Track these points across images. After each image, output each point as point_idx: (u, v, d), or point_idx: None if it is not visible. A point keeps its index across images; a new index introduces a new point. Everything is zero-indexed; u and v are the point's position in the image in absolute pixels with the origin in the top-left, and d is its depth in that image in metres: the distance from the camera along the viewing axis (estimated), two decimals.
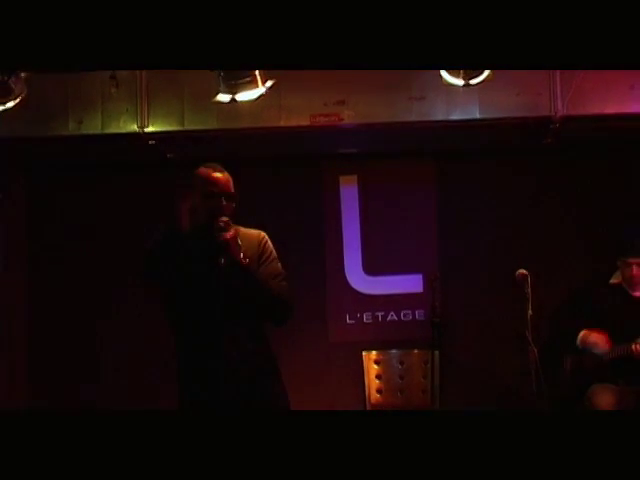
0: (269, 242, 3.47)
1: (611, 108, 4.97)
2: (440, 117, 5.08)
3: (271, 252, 3.45)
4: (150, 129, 5.13)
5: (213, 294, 3.31)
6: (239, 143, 5.44)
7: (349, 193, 6.03)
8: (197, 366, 3.36)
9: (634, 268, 4.87)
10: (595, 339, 4.84)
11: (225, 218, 3.27)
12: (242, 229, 3.41)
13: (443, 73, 4.33)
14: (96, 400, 5.57)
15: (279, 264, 3.47)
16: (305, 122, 5.10)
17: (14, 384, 5.87)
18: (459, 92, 4.71)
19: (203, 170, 3.40)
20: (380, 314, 5.98)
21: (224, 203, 3.32)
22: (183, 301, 3.35)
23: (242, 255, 3.25)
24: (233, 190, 3.39)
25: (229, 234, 3.23)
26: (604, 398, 4.67)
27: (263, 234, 3.48)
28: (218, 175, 3.38)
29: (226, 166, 5.74)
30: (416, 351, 5.67)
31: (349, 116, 5.09)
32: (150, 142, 5.23)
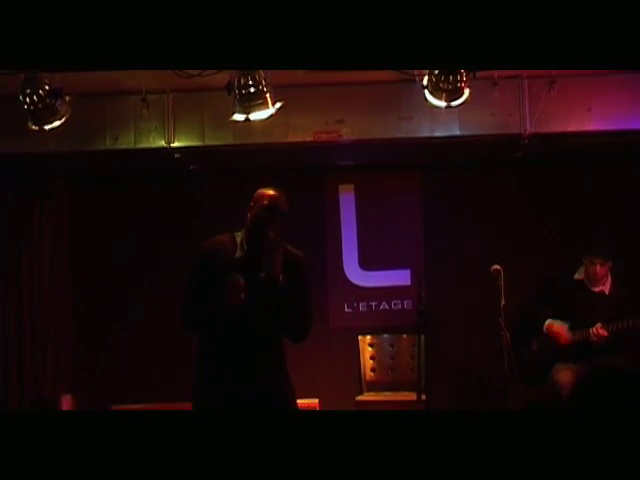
0: (306, 265, 3.29)
1: (572, 127, 5.01)
2: (425, 134, 5.11)
3: (306, 275, 3.26)
4: (176, 144, 5.16)
5: (247, 303, 3.09)
6: (252, 156, 5.46)
7: (347, 199, 6.05)
8: (217, 363, 3.18)
9: (597, 266, 4.85)
10: (557, 330, 4.88)
11: (274, 235, 3.11)
12: (286, 247, 3.23)
13: (428, 96, 4.35)
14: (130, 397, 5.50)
15: (309, 287, 3.28)
16: (309, 138, 5.14)
17: (58, 376, 5.87)
18: (442, 112, 4.69)
19: (262, 190, 3.28)
20: (374, 304, 6.01)
21: (275, 218, 3.17)
22: (217, 305, 3.12)
23: (281, 277, 3.08)
24: (285, 208, 3.22)
25: (276, 255, 3.06)
26: (565, 375, 4.68)
27: (303, 256, 3.30)
28: (272, 192, 3.24)
29: (240, 175, 5.85)
30: (405, 335, 5.67)
31: (347, 133, 5.12)
32: (176, 155, 5.25)
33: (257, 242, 3.15)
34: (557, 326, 4.87)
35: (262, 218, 3.18)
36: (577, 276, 5.00)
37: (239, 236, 3.26)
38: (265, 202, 3.20)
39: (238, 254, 3.21)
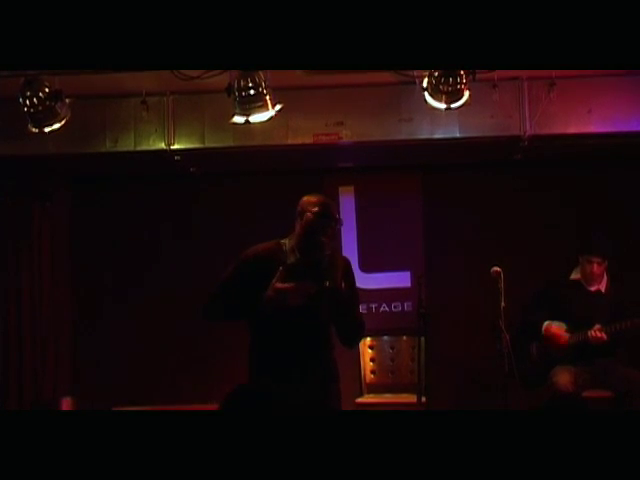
0: (352, 269, 3.31)
1: (572, 129, 5.02)
2: (425, 136, 5.11)
3: (354, 279, 3.30)
4: (176, 147, 5.16)
5: (308, 311, 3.11)
6: (252, 158, 5.47)
7: (347, 201, 6.01)
8: (273, 367, 3.17)
9: (595, 265, 4.85)
10: (555, 331, 4.87)
11: (326, 239, 3.11)
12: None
13: (428, 98, 4.35)
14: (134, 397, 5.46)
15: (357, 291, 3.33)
16: (309, 140, 5.14)
17: (58, 378, 5.86)
18: (442, 114, 4.70)
19: (307, 197, 3.25)
20: (374, 306, 5.98)
21: (330, 224, 3.15)
22: (274, 314, 3.12)
23: (343, 285, 3.12)
24: (337, 213, 3.20)
25: (338, 263, 3.09)
26: (564, 377, 4.68)
27: (349, 260, 3.32)
28: (320, 198, 3.21)
29: (240, 177, 5.84)
30: (405, 338, 5.64)
31: (347, 135, 5.13)
32: (176, 158, 5.26)
33: (311, 249, 3.14)
34: (555, 327, 4.88)
35: (317, 225, 3.14)
36: (573, 276, 5.01)
37: (285, 244, 3.24)
38: (317, 209, 3.16)
39: (290, 260, 3.17)
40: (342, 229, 5.96)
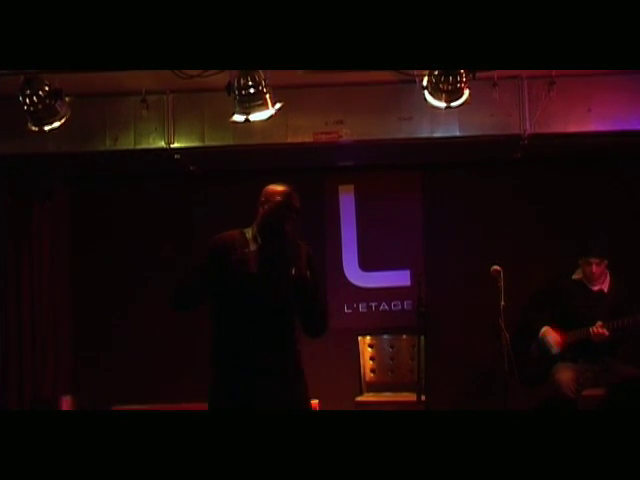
0: (315, 257, 3.32)
1: (572, 128, 5.01)
2: (425, 135, 5.11)
3: (316, 267, 3.31)
4: (175, 145, 5.16)
5: (271, 299, 3.16)
6: (252, 157, 5.46)
7: (347, 200, 6.04)
8: (236, 360, 3.18)
9: (594, 266, 4.84)
10: (552, 340, 4.87)
11: (292, 231, 3.16)
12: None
13: (428, 97, 4.35)
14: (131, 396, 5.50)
15: (319, 278, 3.34)
16: (309, 139, 5.14)
17: (58, 377, 5.86)
18: (442, 113, 4.70)
19: (272, 186, 3.29)
20: (373, 304, 5.99)
21: (290, 214, 3.19)
22: (236, 302, 3.18)
23: (308, 273, 3.15)
24: (298, 204, 3.23)
25: (300, 252, 3.13)
26: (565, 374, 4.68)
27: (311, 250, 3.32)
28: (284, 188, 3.25)
29: (240, 176, 5.83)
30: (404, 336, 5.65)
31: (347, 134, 5.12)
32: (175, 156, 5.25)
33: (272, 237, 3.19)
34: (553, 336, 4.88)
35: (278, 214, 3.20)
36: (575, 276, 5.00)
37: (249, 232, 3.29)
38: (279, 198, 3.22)
39: (252, 248, 3.22)
40: (342, 227, 6.04)
